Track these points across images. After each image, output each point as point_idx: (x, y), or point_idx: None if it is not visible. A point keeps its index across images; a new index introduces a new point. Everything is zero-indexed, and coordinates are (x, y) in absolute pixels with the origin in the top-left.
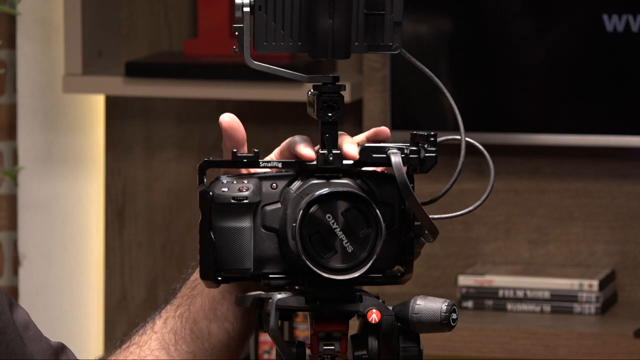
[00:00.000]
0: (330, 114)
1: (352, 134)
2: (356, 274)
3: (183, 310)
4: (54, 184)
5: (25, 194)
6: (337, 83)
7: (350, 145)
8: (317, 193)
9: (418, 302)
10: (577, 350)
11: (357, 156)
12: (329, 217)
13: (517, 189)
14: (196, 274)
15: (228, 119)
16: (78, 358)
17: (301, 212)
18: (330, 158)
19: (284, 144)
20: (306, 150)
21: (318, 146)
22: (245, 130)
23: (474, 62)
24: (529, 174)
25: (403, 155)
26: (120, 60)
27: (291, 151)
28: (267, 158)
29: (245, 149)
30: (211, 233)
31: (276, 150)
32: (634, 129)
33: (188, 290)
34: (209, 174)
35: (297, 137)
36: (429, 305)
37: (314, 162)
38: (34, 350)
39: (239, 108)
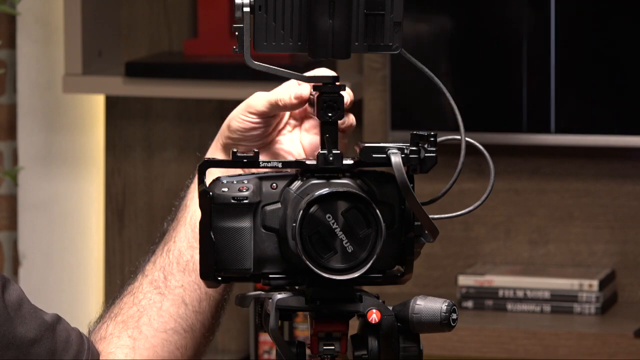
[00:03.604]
0: (330, 114)
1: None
2: (356, 274)
3: (170, 245)
4: (54, 184)
5: (25, 194)
6: (337, 83)
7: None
8: (317, 193)
9: (418, 302)
10: (577, 350)
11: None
12: (329, 217)
13: (517, 189)
14: (181, 212)
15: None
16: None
17: (301, 212)
18: (330, 158)
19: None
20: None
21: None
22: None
23: (474, 62)
24: (529, 174)
25: (403, 155)
26: (120, 60)
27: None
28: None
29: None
30: (211, 233)
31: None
32: (634, 129)
33: (174, 225)
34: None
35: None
36: (429, 305)
37: (314, 162)
38: (26, 329)
39: None
